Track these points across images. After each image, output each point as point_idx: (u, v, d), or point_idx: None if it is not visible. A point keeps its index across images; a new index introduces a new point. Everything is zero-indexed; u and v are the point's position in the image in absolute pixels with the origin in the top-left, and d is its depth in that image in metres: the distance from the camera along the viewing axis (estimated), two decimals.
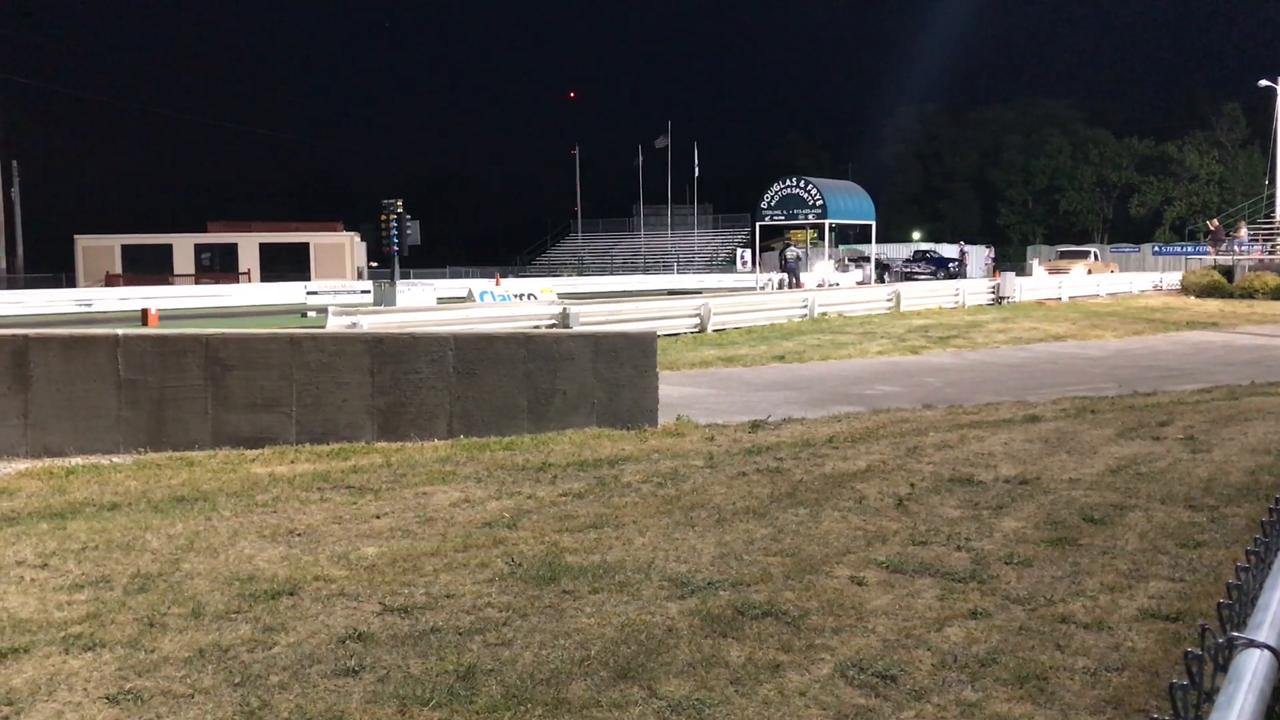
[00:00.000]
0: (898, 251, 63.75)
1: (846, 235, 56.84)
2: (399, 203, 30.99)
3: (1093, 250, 46.07)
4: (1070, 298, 34.91)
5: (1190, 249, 54.07)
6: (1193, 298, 34.40)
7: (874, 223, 41.16)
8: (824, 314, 26.02)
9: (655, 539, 6.14)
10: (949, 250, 54.54)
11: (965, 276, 43.55)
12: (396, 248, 30.98)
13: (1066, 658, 4.39)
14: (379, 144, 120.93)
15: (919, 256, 52.06)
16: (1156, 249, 59.14)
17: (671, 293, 43.13)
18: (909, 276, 45.30)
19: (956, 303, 30.81)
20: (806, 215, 38.47)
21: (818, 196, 38.04)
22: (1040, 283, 35.99)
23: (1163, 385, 13.77)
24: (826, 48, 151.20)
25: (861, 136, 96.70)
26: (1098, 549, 5.93)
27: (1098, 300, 34.46)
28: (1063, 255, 46.49)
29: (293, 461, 8.49)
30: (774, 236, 67.27)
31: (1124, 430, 9.80)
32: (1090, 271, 40.15)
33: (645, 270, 68.30)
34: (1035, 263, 47.45)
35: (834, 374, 15.31)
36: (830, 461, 8.37)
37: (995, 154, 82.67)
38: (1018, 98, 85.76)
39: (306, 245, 55.89)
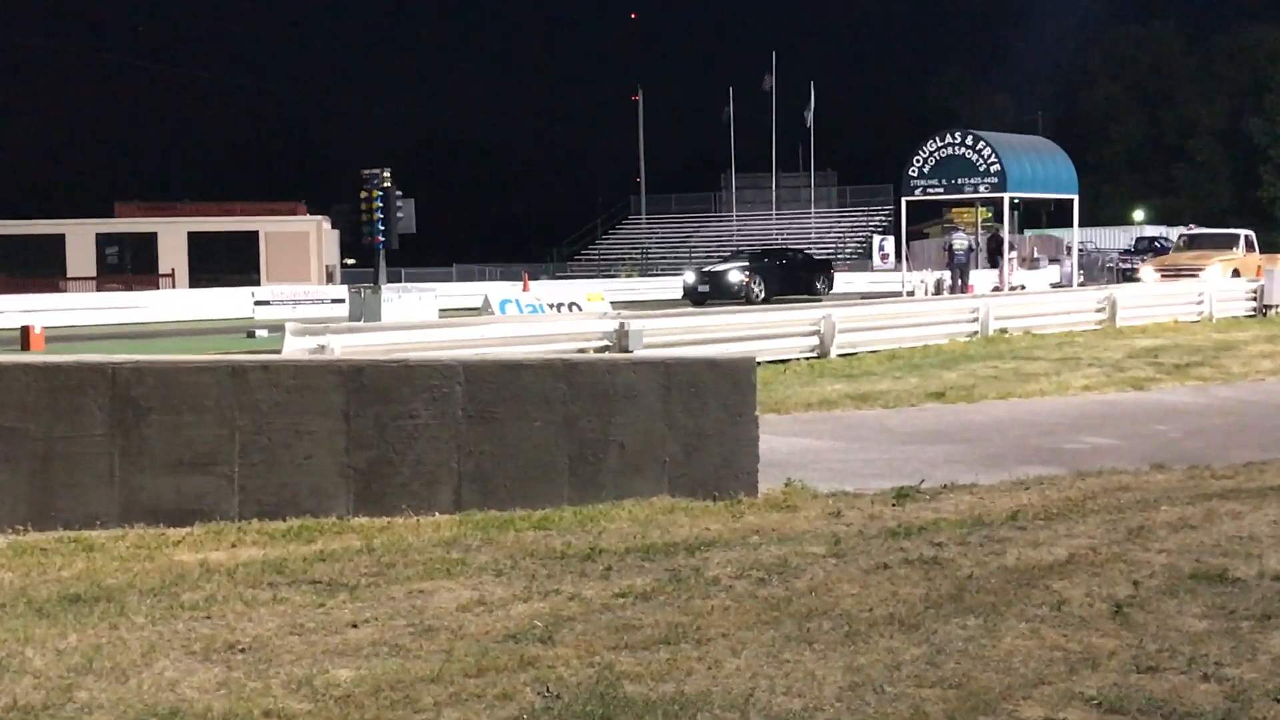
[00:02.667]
0: (1112, 238, 63.10)
1: (1036, 215, 56.26)
2: (386, 174, 31.34)
3: (1242, 235, 40.63)
4: None
5: None
6: None
7: (1076, 197, 40.74)
8: (1002, 330, 25.77)
9: (755, 661, 6.10)
10: (1169, 234, 53.78)
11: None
12: (383, 238, 31.29)
13: None
14: (361, 93, 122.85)
15: (1144, 246, 51.45)
16: None
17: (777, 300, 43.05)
18: (1129, 276, 44.80)
19: (1200, 314, 30.39)
20: (976, 186, 38.22)
21: (992, 159, 37.78)
22: None
23: None
24: None
25: (1056, 73, 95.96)
26: None
27: None
28: (1190, 243, 41.59)
29: (234, 544, 8.57)
30: (928, 218, 66.88)
31: None
32: (1237, 272, 36.89)
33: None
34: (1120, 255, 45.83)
35: (1018, 419, 15.13)
36: (1014, 549, 8.27)
37: (1256, 96, 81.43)
38: None
39: (255, 235, 56.86)
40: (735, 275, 44.27)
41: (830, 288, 48.06)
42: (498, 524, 9.14)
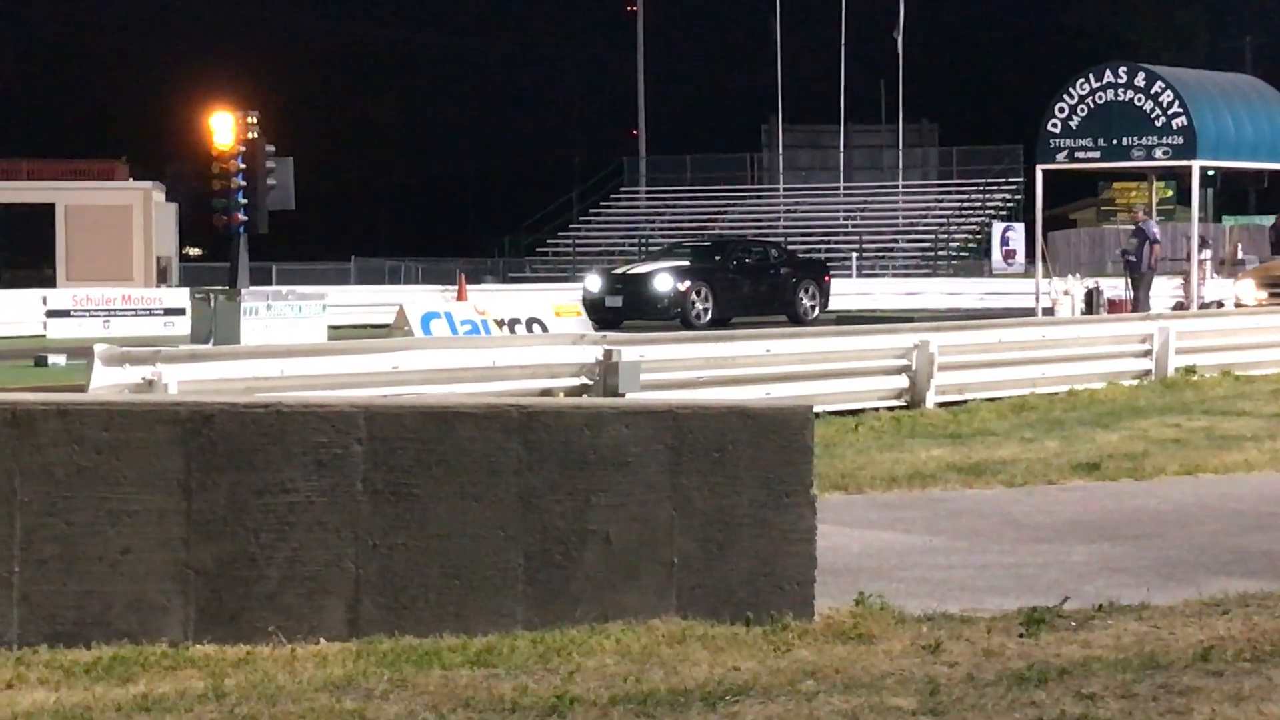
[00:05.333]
0: None
1: (1240, 196, 56.33)
2: (252, 119, 31.39)
3: None
4: None
5: None
6: None
7: None
8: (1189, 369, 25.80)
9: None
10: None
11: None
12: (245, 216, 31.36)
13: None
14: None
15: None
16: None
17: (845, 319, 42.94)
18: None
19: None
20: (1149, 150, 38.29)
21: (1175, 109, 37.85)
22: None
23: None
24: None
25: None
26: None
27: None
28: None
29: (11, 684, 8.53)
30: (1077, 196, 67.00)
31: None
32: None
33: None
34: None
35: (1211, 506, 15.13)
36: (1205, 705, 8.26)
37: None
38: None
39: (49, 210, 56.73)
40: (665, 282, 43.78)
41: (824, 305, 47.69)
42: (415, 657, 9.10)
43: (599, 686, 8.56)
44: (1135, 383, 24.81)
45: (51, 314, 44.79)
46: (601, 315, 42.32)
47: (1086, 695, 8.40)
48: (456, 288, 44.17)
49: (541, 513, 9.90)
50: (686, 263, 45.79)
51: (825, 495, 11.90)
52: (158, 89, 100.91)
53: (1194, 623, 10.15)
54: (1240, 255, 48.28)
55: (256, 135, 31.04)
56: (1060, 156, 39.05)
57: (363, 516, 9.65)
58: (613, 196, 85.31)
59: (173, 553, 9.44)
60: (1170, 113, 37.48)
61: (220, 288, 32.31)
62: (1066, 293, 40.24)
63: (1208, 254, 42.54)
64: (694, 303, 43.05)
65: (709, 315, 42.98)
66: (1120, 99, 38.19)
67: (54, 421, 9.42)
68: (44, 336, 42.71)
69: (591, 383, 19.57)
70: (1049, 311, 38.79)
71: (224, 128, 31.18)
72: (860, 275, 66.22)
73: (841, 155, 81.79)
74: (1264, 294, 37.51)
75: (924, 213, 77.89)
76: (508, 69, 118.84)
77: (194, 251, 61.59)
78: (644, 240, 76.43)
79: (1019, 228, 63.33)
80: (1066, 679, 8.77)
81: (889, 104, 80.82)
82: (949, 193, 79.30)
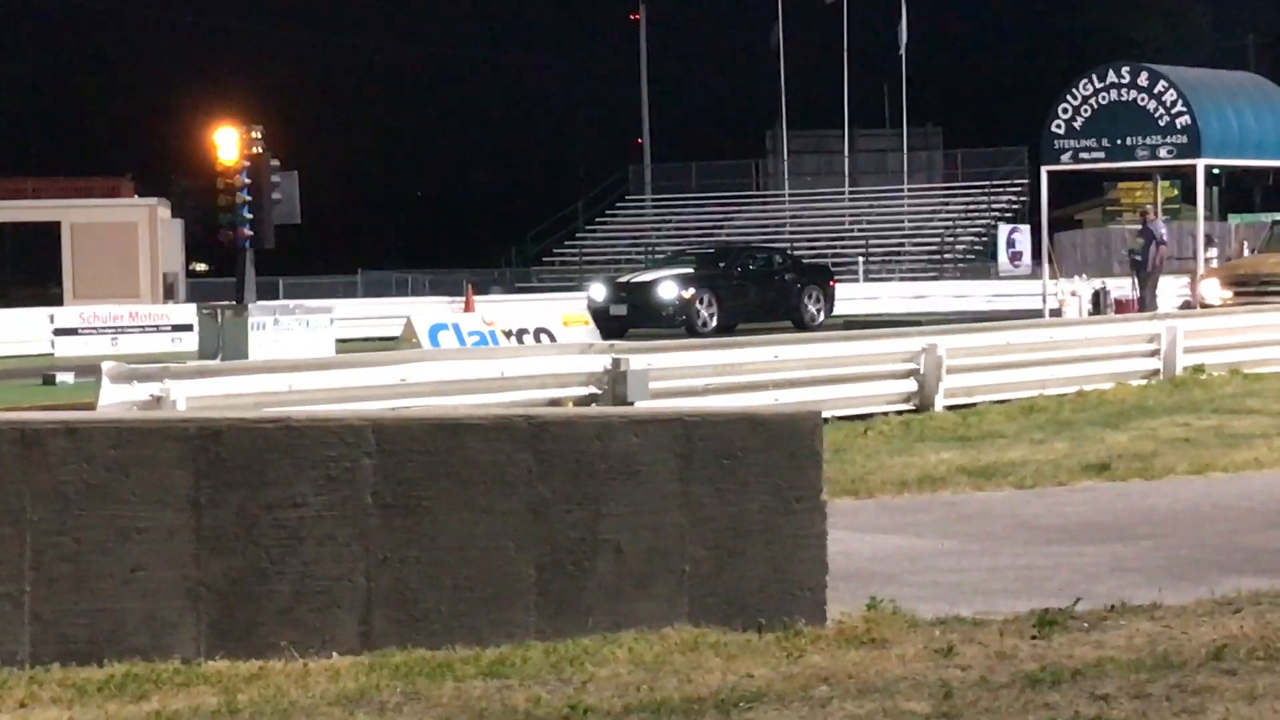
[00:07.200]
0: None
1: (1246, 194, 56.29)
2: (257, 134, 31.39)
3: None
4: None
5: None
6: None
7: None
8: (1197, 368, 25.80)
9: None
10: None
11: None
12: (251, 231, 31.37)
13: None
14: (216, 6, 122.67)
15: None
16: None
17: (852, 324, 42.91)
18: None
19: None
20: (1154, 150, 38.27)
21: (1178, 108, 37.83)
22: None
23: None
24: None
25: None
26: None
27: None
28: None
29: (24, 703, 8.53)
30: (1083, 197, 67.08)
31: None
32: None
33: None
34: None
35: (1223, 505, 15.12)
36: (1218, 704, 8.24)
37: None
38: None
39: (54, 228, 56.67)
40: (669, 289, 43.78)
41: (829, 310, 47.52)
42: (428, 669, 9.10)
43: (612, 696, 8.56)
44: (1144, 382, 24.82)
45: (59, 332, 44.87)
46: (606, 324, 42.02)
47: (1100, 696, 8.39)
48: (464, 299, 44.22)
49: (552, 523, 9.89)
50: (690, 270, 45.61)
51: (835, 500, 11.89)
52: (162, 106, 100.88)
53: (1207, 622, 10.15)
54: (1246, 253, 48.24)
55: (261, 150, 31.05)
56: (1065, 158, 39.05)
57: (373, 530, 9.65)
58: (618, 205, 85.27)
59: (184, 569, 9.43)
60: (1174, 112, 37.47)
61: (227, 303, 32.36)
62: (1073, 293, 40.24)
63: (1214, 252, 42.51)
64: (698, 310, 42.91)
65: (714, 322, 42.84)
66: (1124, 99, 38.18)
67: (63, 440, 9.41)
68: (52, 355, 42.76)
69: (600, 392, 19.59)
70: (1056, 313, 38.78)
71: (228, 143, 31.22)
72: (867, 279, 66.27)
73: (846, 160, 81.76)
74: (1229, 293, 37.03)
75: (930, 216, 77.91)
76: (511, 79, 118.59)
77: (200, 267, 61.68)
78: (650, 248, 76.43)
79: (1025, 229, 63.38)
80: (1080, 680, 8.76)
81: (893, 108, 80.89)
82: (954, 196, 79.26)
